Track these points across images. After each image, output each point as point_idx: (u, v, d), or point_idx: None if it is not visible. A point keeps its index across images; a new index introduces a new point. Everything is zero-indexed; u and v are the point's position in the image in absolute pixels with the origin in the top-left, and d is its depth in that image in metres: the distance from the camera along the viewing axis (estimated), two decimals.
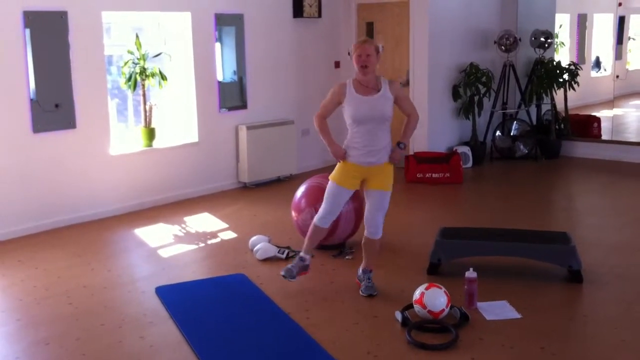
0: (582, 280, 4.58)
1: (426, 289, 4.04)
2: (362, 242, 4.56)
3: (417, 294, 4.05)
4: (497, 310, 4.17)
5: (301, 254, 4.60)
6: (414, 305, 4.05)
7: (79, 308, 4.39)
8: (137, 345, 3.87)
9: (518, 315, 4.10)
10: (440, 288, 4.04)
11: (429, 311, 3.97)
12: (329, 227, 4.57)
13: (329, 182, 4.47)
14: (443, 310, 3.98)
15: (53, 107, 6.11)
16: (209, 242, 5.77)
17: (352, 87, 4.33)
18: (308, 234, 4.60)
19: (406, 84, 8.47)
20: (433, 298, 3.99)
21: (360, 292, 4.50)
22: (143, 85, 6.89)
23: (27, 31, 5.88)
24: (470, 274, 4.21)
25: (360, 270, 4.64)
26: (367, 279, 4.56)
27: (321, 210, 4.49)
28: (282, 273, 4.52)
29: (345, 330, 3.99)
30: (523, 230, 5.04)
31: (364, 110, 4.28)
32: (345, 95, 4.33)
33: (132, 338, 3.96)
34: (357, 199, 5.16)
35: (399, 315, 4.05)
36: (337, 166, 4.46)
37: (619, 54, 9.90)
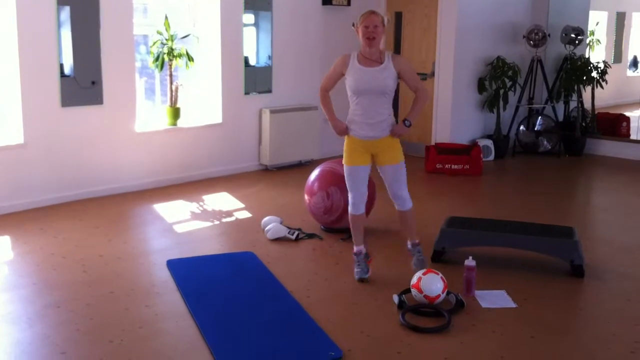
0: (584, 275, 4.62)
1: (424, 274, 4.13)
2: (398, 217, 4.63)
3: (414, 279, 4.14)
4: (493, 298, 4.24)
5: (354, 249, 4.58)
6: (411, 290, 4.14)
7: (92, 276, 4.58)
8: (142, 313, 4.03)
9: (514, 305, 4.17)
10: (438, 274, 4.13)
11: (425, 296, 4.06)
12: (364, 212, 4.55)
13: (344, 168, 4.51)
14: (439, 295, 4.07)
15: (89, 84, 6.32)
16: (224, 220, 5.93)
17: (356, 59, 4.38)
18: (350, 226, 4.61)
19: (432, 75, 8.51)
20: (430, 283, 4.08)
21: (413, 266, 4.56)
22: (170, 66, 7.07)
23: (67, 9, 6.09)
24: (469, 262, 4.28)
25: (409, 245, 4.70)
26: (417, 252, 4.62)
27: (349, 198, 4.51)
28: (357, 277, 4.50)
29: (343, 310, 4.11)
30: (529, 223, 5.08)
31: (364, 81, 4.31)
32: (347, 67, 4.38)
33: (138, 306, 4.13)
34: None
35: (396, 298, 4.15)
36: (344, 149, 4.51)
37: None
